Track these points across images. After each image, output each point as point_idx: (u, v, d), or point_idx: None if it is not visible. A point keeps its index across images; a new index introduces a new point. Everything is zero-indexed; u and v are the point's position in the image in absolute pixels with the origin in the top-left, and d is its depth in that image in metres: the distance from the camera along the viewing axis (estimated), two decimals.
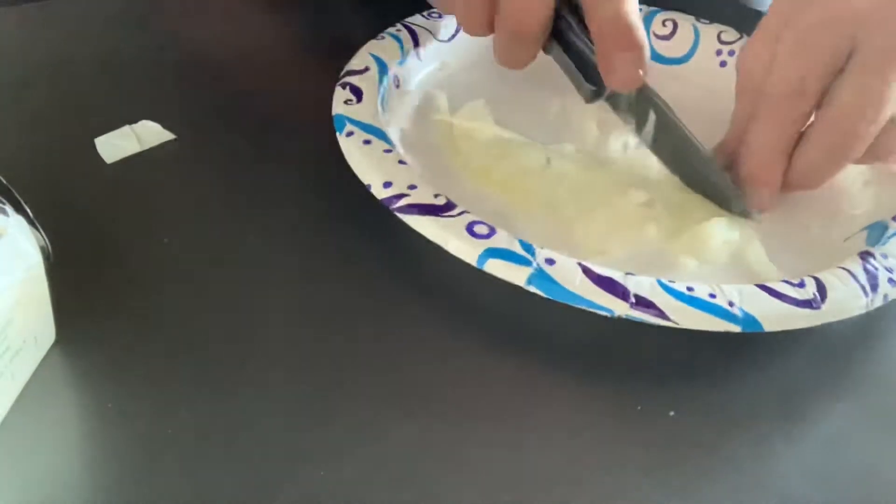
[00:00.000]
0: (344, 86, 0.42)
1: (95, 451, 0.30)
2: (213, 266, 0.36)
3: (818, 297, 0.34)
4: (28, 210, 0.29)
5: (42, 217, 0.29)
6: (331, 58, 0.44)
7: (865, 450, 0.33)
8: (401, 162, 0.37)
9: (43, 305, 0.30)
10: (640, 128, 0.41)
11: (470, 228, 0.34)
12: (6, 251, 0.28)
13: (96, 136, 0.41)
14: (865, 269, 0.35)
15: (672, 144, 0.41)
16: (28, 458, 0.29)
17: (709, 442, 0.32)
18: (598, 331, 0.35)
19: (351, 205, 0.39)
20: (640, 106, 0.40)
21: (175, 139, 0.42)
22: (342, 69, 0.43)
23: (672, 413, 0.33)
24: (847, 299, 0.34)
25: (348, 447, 0.30)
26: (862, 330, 0.38)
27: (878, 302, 0.35)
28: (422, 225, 0.35)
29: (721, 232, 0.39)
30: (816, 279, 0.34)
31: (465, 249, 0.34)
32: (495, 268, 0.33)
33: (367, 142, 0.38)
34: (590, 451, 0.31)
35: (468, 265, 0.34)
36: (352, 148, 0.38)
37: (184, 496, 0.28)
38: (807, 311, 0.33)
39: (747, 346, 0.35)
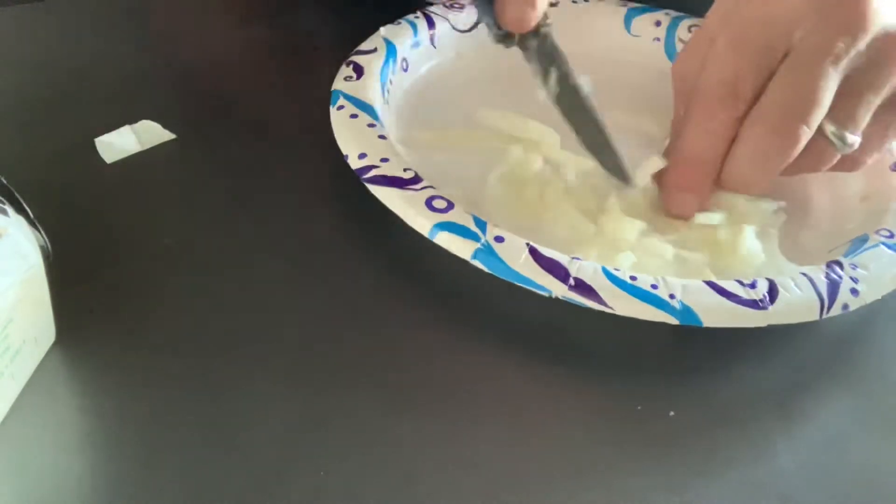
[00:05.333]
0: (348, 64, 0.43)
1: (95, 451, 0.30)
2: (213, 266, 0.36)
3: (767, 299, 0.33)
4: (28, 210, 0.29)
5: (42, 217, 0.29)
6: (331, 58, 0.44)
7: (865, 450, 0.33)
8: (381, 136, 0.38)
9: (43, 305, 0.30)
10: (545, 80, 0.40)
11: (429, 202, 0.35)
12: (6, 251, 0.28)
13: (96, 136, 0.41)
14: (828, 277, 0.35)
15: (572, 104, 0.40)
16: (28, 458, 0.29)
17: (709, 442, 0.32)
18: (598, 331, 0.35)
19: (351, 205, 0.39)
20: (545, 58, 0.39)
21: (175, 139, 0.42)
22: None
23: (672, 413, 0.33)
24: (799, 304, 0.34)
25: (348, 447, 0.30)
26: (861, 329, 0.38)
27: (836, 310, 0.34)
28: (385, 196, 0.36)
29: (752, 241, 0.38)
30: (770, 281, 0.34)
31: (420, 221, 0.35)
32: (445, 241, 0.34)
33: (354, 115, 0.40)
34: (590, 450, 0.31)
35: (469, 265, 0.34)
36: (339, 120, 0.40)
37: (184, 496, 0.28)
38: (751, 310, 0.33)
39: (747, 346, 0.35)
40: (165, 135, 0.42)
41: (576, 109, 0.39)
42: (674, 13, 0.51)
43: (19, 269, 0.28)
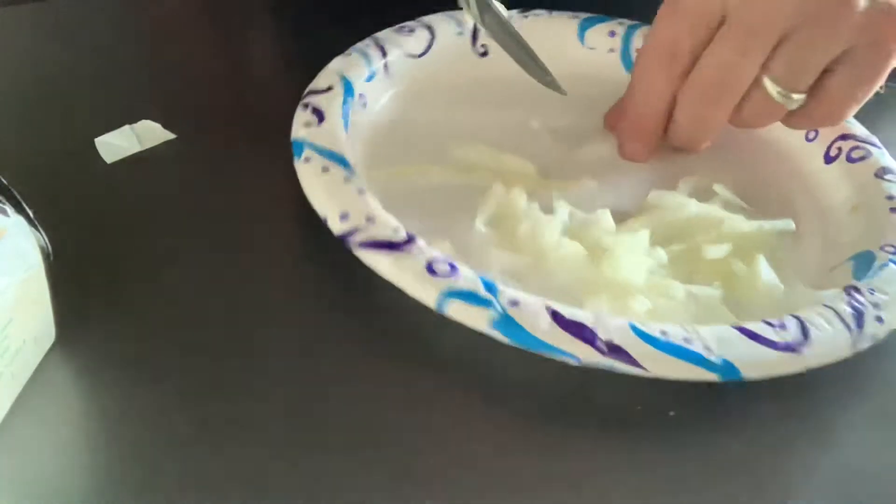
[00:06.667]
0: (305, 106, 0.39)
1: (95, 451, 0.30)
2: (213, 266, 0.36)
3: (801, 340, 0.32)
4: (28, 210, 0.29)
5: (42, 217, 0.29)
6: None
7: (865, 450, 0.33)
8: (360, 191, 0.35)
9: (43, 305, 0.30)
10: (467, 4, 0.42)
11: (430, 267, 0.32)
12: (6, 251, 0.28)
13: (96, 136, 0.41)
14: (852, 307, 0.34)
15: (497, 26, 0.43)
16: (28, 458, 0.29)
17: (709, 442, 0.32)
18: None
19: None
20: None
21: (175, 139, 0.42)
22: None
23: (672, 413, 0.33)
24: (831, 342, 0.33)
25: (347, 446, 0.30)
26: None
27: (865, 343, 0.33)
28: (380, 263, 0.33)
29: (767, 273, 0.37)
30: (799, 319, 0.33)
31: (424, 291, 0.32)
32: (457, 312, 0.31)
33: (325, 169, 0.36)
34: (589, 451, 0.31)
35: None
36: (308, 176, 0.36)
37: (184, 496, 0.28)
38: (788, 355, 0.32)
39: None
40: (165, 135, 0.42)
41: (500, 30, 0.43)
42: (628, 22, 0.49)
43: (19, 269, 0.28)
